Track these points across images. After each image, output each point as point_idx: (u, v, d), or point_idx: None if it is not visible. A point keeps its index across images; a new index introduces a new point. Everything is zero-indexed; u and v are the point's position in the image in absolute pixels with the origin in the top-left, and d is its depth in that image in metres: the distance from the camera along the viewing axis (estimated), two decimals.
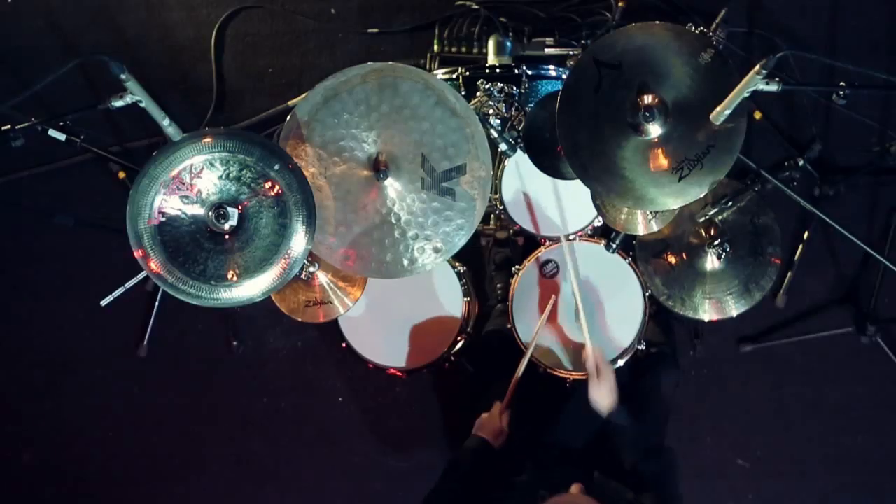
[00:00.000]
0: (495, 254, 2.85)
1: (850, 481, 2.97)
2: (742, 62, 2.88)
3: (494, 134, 2.21)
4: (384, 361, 2.57)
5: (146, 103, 1.91)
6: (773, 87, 1.79)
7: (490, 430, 2.19)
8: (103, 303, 2.31)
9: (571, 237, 2.48)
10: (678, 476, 2.19)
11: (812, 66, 2.80)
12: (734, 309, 2.44)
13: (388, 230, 2.09)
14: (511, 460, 2.22)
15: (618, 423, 2.15)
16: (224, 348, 3.15)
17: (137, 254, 1.87)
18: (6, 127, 2.13)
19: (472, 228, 2.07)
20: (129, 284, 2.28)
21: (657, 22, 1.92)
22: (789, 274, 2.92)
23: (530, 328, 2.46)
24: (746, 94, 1.78)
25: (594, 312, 2.46)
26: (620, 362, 2.46)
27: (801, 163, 2.83)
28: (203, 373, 3.17)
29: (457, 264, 2.56)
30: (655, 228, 2.26)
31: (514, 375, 2.29)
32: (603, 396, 2.16)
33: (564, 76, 2.49)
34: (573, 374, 2.45)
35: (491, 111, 2.38)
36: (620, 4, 2.72)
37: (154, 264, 1.87)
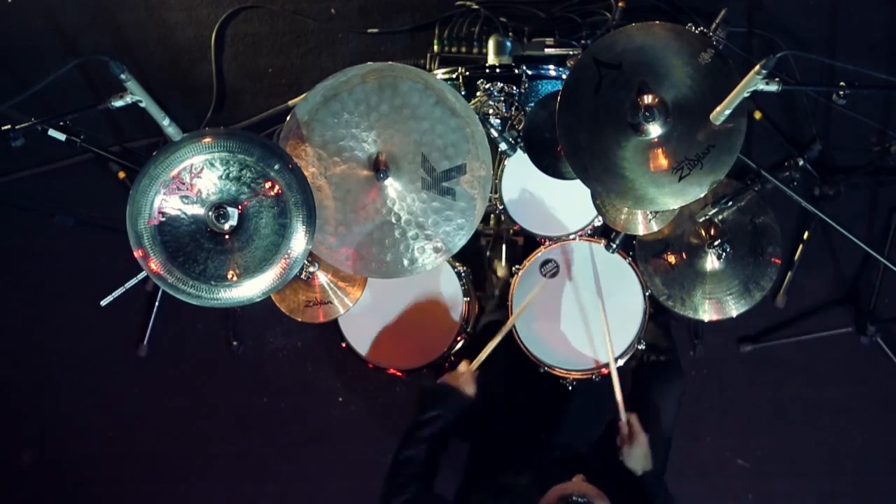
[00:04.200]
0: (494, 254, 2.84)
1: (850, 481, 2.96)
2: (742, 62, 2.88)
3: (494, 134, 2.21)
4: (384, 361, 2.57)
5: (146, 103, 1.91)
6: (773, 87, 1.79)
7: (460, 382, 2.25)
8: (103, 303, 2.31)
9: (571, 237, 2.48)
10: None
11: (812, 66, 2.80)
12: (734, 309, 2.44)
13: (389, 230, 2.08)
14: (511, 460, 2.22)
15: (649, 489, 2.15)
16: (224, 348, 3.14)
17: (137, 254, 1.87)
18: (6, 127, 2.12)
19: (473, 228, 2.07)
20: (129, 284, 2.28)
21: (657, 22, 1.93)
22: (789, 274, 2.92)
23: (530, 328, 2.46)
24: (746, 94, 1.77)
25: (595, 313, 2.46)
26: (621, 361, 2.45)
27: (801, 163, 2.82)
28: (203, 373, 3.17)
29: (457, 264, 2.56)
30: (655, 228, 2.26)
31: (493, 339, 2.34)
32: (636, 460, 2.17)
33: (564, 76, 2.49)
34: (573, 373, 2.45)
35: (491, 111, 2.38)
36: (620, 4, 2.72)
37: (154, 264, 1.87)
